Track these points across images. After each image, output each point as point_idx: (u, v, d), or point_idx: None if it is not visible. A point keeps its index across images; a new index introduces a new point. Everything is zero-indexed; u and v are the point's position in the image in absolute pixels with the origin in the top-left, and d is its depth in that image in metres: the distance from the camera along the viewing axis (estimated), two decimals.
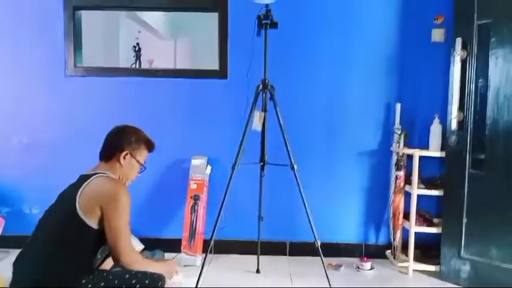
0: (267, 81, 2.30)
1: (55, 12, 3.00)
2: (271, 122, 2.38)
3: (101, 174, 1.75)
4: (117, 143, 1.85)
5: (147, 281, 1.68)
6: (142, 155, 1.91)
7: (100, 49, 3.21)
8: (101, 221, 1.68)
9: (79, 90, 3.04)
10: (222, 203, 2.24)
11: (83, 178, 1.75)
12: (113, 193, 1.68)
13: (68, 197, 1.71)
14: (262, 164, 2.44)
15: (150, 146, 1.94)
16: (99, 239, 1.70)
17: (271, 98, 2.29)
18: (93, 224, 1.67)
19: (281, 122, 2.25)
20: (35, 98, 3.05)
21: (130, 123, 1.94)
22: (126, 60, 4.73)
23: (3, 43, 3.04)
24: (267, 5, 2.24)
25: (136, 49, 4.72)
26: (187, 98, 3.04)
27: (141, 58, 4.59)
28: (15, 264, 1.74)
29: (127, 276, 1.68)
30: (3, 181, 3.05)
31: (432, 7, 2.94)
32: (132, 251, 1.73)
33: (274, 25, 2.23)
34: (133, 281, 1.66)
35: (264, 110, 2.34)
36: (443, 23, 2.92)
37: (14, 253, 2.99)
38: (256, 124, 2.29)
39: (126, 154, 1.84)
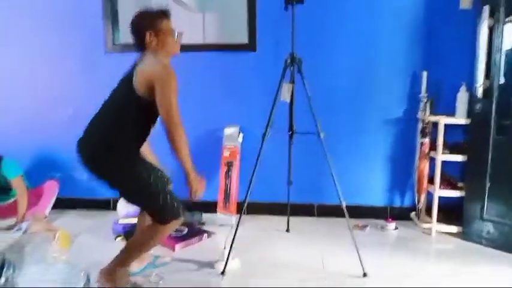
0: (294, 55, 2.42)
1: None
2: (299, 93, 2.52)
3: (148, 58, 1.94)
4: (137, 33, 1.99)
5: (169, 201, 1.93)
6: (166, 25, 2.01)
7: None
8: (153, 95, 1.86)
9: (118, 66, 3.25)
10: (254, 169, 2.42)
11: (135, 64, 1.97)
12: (165, 73, 1.86)
13: (125, 78, 1.96)
14: (290, 133, 2.60)
15: (165, 15, 2.02)
16: (153, 112, 1.91)
17: (299, 71, 2.41)
18: (147, 96, 1.87)
19: (308, 93, 2.38)
20: (79, 75, 3.30)
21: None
22: None
23: (48, 27, 3.27)
24: None
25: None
26: (219, 71, 3.19)
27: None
28: (79, 141, 2.00)
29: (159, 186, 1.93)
30: (56, 148, 3.37)
31: None
32: (180, 121, 1.87)
33: (300, 1, 2.32)
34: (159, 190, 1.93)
35: (292, 82, 2.48)
36: None
37: (68, 213, 3.37)
38: (285, 95, 2.43)
39: (150, 34, 1.96)
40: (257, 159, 2.42)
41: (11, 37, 3.32)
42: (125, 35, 3.39)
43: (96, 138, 1.97)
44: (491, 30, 2.61)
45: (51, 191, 3.10)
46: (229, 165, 3.07)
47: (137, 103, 1.90)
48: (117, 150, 1.93)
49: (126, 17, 3.29)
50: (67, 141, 3.32)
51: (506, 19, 2.54)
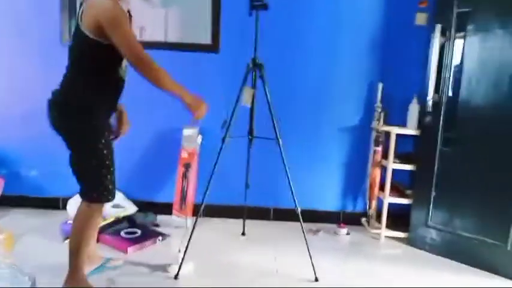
0: (256, 60, 2.44)
1: None
2: (259, 98, 2.54)
3: None
4: None
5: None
6: None
7: None
8: (106, 37, 1.75)
9: None
10: (212, 171, 2.42)
11: (81, 3, 1.83)
12: (111, 13, 1.74)
13: (76, 24, 1.83)
14: (250, 137, 2.62)
15: None
16: (109, 56, 1.82)
17: (261, 76, 2.44)
18: (98, 39, 1.77)
19: (269, 99, 2.41)
20: (33, 67, 3.14)
21: None
22: None
23: (5, 19, 3.10)
24: None
25: (128, 15, 4.75)
26: (180, 70, 3.10)
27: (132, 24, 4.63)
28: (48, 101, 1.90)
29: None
30: (4, 145, 3.19)
31: None
32: (144, 54, 1.78)
33: (264, 7, 2.35)
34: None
35: (253, 87, 2.49)
36: (427, 7, 3.07)
37: (14, 211, 3.20)
38: (246, 100, 2.44)
39: None
40: (215, 162, 2.42)
41: None
42: None
43: (59, 93, 1.88)
44: (442, 47, 2.77)
45: None
46: (187, 166, 3.05)
47: (89, 48, 1.80)
48: (79, 102, 1.83)
49: None
50: (16, 137, 3.21)
51: (456, 34, 2.69)
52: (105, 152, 1.89)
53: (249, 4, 2.38)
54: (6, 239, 1.91)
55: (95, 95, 1.87)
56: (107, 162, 1.91)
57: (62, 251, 1.99)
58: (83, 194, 1.96)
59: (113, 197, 1.97)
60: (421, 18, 3.11)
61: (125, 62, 1.95)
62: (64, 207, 3.02)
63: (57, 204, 3.21)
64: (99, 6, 1.76)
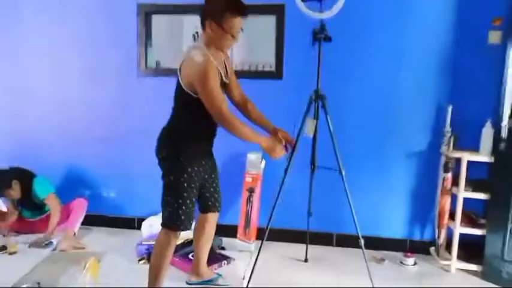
0: (319, 91, 2.48)
1: (129, 18, 3.33)
2: (322, 128, 2.57)
3: (194, 48, 1.99)
4: (203, 12, 1.97)
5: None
6: (232, 22, 1.92)
7: (167, 50, 3.51)
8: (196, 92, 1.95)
9: (151, 88, 3.39)
10: (276, 199, 2.48)
11: (187, 49, 2.05)
12: (201, 72, 1.89)
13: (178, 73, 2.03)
14: (312, 167, 2.65)
15: (237, 11, 1.92)
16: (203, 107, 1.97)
17: (323, 107, 2.46)
18: (192, 93, 1.97)
19: (331, 129, 2.42)
20: (113, 95, 3.44)
21: None
22: None
23: (85, 48, 3.43)
24: (321, 20, 2.39)
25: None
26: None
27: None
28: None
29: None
30: (87, 167, 3.52)
31: (491, 8, 2.91)
32: (224, 110, 1.94)
33: (328, 39, 2.38)
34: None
35: (316, 118, 2.53)
36: (502, 25, 2.90)
37: (95, 230, 3.49)
38: (309, 131, 2.48)
39: (211, 23, 1.94)
40: (279, 192, 2.48)
41: (46, 51, 3.47)
42: (158, 58, 3.53)
43: (163, 128, 2.15)
44: None
45: (80, 208, 3.22)
46: (251, 191, 3.14)
47: (184, 97, 2.00)
48: (173, 141, 2.07)
49: (159, 41, 3.45)
50: (96, 159, 3.53)
51: None
52: (185, 185, 2.06)
53: (312, 36, 2.41)
54: (92, 266, 2.12)
55: (188, 139, 2.07)
56: (185, 195, 2.07)
57: (137, 272, 2.14)
58: (162, 221, 2.15)
59: (186, 228, 2.12)
60: (494, 37, 2.94)
61: None
62: (139, 227, 3.26)
63: (133, 224, 3.47)
64: (192, 62, 1.94)
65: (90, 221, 3.41)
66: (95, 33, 3.40)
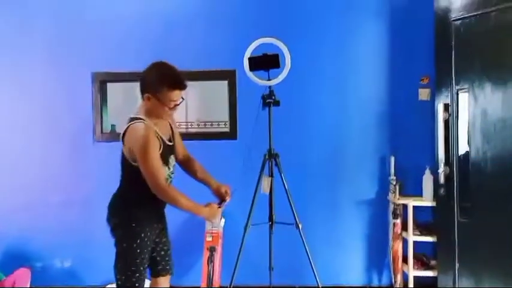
0: (272, 150, 2.64)
1: (84, 86, 3.42)
2: (277, 185, 2.70)
3: (132, 122, 1.99)
4: (141, 84, 2.00)
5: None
6: (170, 95, 1.95)
7: (122, 114, 3.60)
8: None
9: (106, 153, 3.41)
10: (237, 258, 2.53)
11: (127, 123, 2.04)
12: (141, 145, 1.93)
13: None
14: (270, 223, 2.75)
15: (174, 85, 1.94)
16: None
17: (277, 165, 2.62)
18: (134, 163, 1.99)
19: (286, 185, 2.57)
20: (68, 161, 3.43)
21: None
22: None
23: (41, 115, 3.45)
24: (269, 86, 2.61)
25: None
26: (200, 158, 3.37)
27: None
28: None
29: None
30: (38, 236, 3.39)
31: (418, 68, 3.29)
32: (161, 184, 1.97)
33: (277, 103, 2.59)
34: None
35: (271, 175, 2.67)
36: (429, 83, 3.27)
37: None
38: (265, 188, 2.61)
39: (148, 96, 1.96)
40: (240, 248, 2.53)
41: (3, 117, 3.47)
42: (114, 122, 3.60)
43: (113, 195, 2.16)
44: (446, 122, 2.91)
45: (22, 279, 3.06)
46: (212, 250, 3.16)
47: (127, 166, 2.04)
48: (123, 208, 2.09)
49: (114, 106, 3.54)
50: (49, 226, 3.42)
51: (459, 110, 2.84)
52: (138, 251, 2.06)
53: (261, 101, 2.61)
54: None
55: (139, 205, 2.09)
56: (137, 261, 2.06)
57: None
58: None
59: None
60: (424, 94, 3.31)
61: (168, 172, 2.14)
62: None
63: None
64: (133, 134, 1.99)
65: None
66: (50, 100, 3.44)
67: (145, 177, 1.98)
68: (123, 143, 2.05)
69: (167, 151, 2.11)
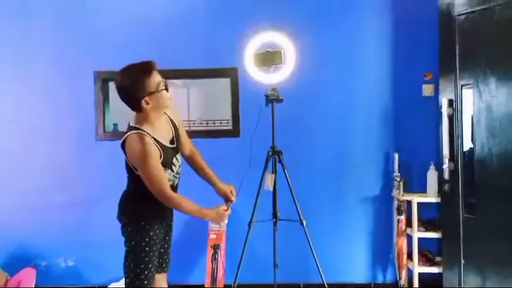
0: (275, 147, 2.63)
1: (87, 84, 3.41)
2: (281, 182, 2.70)
3: (130, 132, 1.97)
4: (131, 100, 1.96)
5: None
6: (153, 80, 1.93)
7: (125, 113, 3.59)
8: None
9: (109, 152, 3.40)
10: (241, 256, 2.52)
11: (126, 130, 2.03)
12: (136, 157, 1.95)
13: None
14: (274, 220, 2.74)
15: (147, 69, 1.93)
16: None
17: (280, 161, 2.61)
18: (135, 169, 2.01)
19: (289, 182, 2.56)
20: (71, 160, 3.43)
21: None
22: None
23: (44, 114, 3.45)
24: (272, 83, 2.60)
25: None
26: (203, 155, 3.37)
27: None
28: None
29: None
30: (42, 235, 3.39)
31: (423, 64, 3.26)
32: (164, 193, 1.99)
33: (280, 100, 2.58)
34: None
35: (274, 172, 2.66)
36: (432, 78, 3.25)
37: None
38: (268, 185, 2.60)
39: (146, 101, 1.93)
40: (244, 247, 2.53)
41: (6, 117, 3.45)
42: (115, 121, 3.60)
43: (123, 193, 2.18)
44: (450, 117, 2.89)
45: (28, 279, 3.07)
46: (216, 247, 3.15)
47: (131, 170, 2.04)
48: (132, 208, 2.11)
49: (116, 105, 3.53)
50: (54, 226, 3.42)
51: (463, 105, 2.81)
52: (147, 249, 2.07)
53: (265, 99, 2.60)
54: None
55: (147, 202, 2.07)
56: (147, 259, 2.07)
57: None
58: (124, 286, 2.13)
59: None
60: (427, 90, 3.28)
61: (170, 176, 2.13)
62: None
63: None
64: (130, 148, 1.98)
65: None
66: (53, 99, 3.44)
67: (147, 185, 1.99)
68: (124, 152, 2.04)
69: (169, 155, 2.09)
